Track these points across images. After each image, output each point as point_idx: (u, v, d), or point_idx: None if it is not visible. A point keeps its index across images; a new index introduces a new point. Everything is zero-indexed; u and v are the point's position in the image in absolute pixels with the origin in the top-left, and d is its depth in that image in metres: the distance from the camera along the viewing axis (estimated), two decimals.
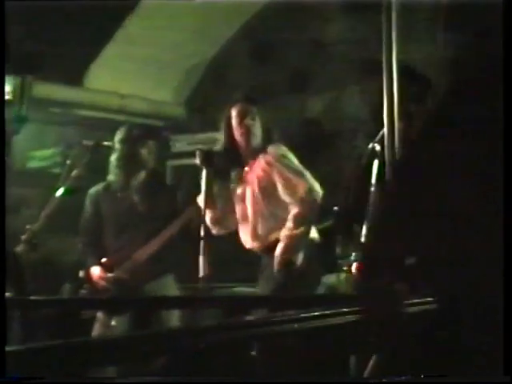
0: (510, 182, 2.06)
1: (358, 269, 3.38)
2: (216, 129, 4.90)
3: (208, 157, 3.78)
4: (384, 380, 1.90)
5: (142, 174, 4.28)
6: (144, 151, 4.26)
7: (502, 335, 1.90)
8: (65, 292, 4.55)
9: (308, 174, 3.81)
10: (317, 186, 3.79)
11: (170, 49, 5.85)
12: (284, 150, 3.85)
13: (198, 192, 3.89)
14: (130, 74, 5.84)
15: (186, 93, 6.37)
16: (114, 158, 4.26)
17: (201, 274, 3.50)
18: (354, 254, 3.51)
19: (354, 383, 1.95)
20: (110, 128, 4.50)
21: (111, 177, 4.30)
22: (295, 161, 3.85)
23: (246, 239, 3.88)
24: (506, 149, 2.17)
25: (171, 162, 5.56)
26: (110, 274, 4.14)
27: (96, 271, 4.14)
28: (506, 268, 2.11)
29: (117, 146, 4.24)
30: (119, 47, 5.60)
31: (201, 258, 3.46)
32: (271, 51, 6.12)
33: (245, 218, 3.87)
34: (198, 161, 3.78)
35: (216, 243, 3.77)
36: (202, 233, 3.60)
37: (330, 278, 5.11)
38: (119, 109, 5.79)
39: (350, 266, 3.42)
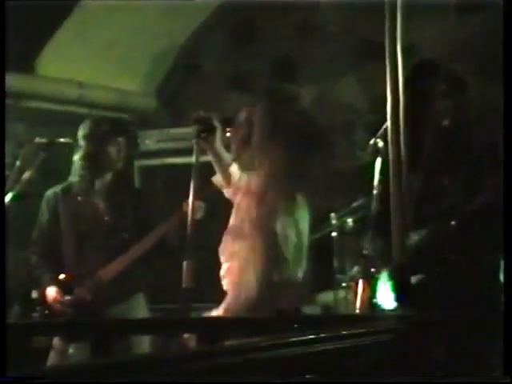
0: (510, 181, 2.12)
1: (364, 286, 3.38)
2: (189, 123, 4.85)
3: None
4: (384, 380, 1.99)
5: (108, 177, 4.27)
6: (112, 149, 4.25)
7: (502, 335, 2.09)
8: (13, 316, 4.51)
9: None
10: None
11: (135, 31, 5.86)
12: None
13: (177, 198, 3.88)
14: (90, 60, 5.83)
15: (155, 81, 6.37)
16: (77, 157, 4.25)
17: (183, 284, 3.46)
18: (356, 267, 3.51)
19: (354, 383, 2.03)
20: (68, 122, 4.48)
21: (73, 178, 4.29)
22: None
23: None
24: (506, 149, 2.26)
25: (139, 162, 5.54)
26: (67, 297, 4.10)
27: (51, 292, 4.11)
28: (506, 268, 2.37)
29: (81, 142, 4.23)
30: (77, 28, 5.59)
31: (184, 265, 3.41)
32: (253, 34, 6.13)
33: None
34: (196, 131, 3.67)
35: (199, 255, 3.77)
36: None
37: (325, 296, 5.11)
38: (77, 99, 5.78)
39: (356, 282, 3.41)
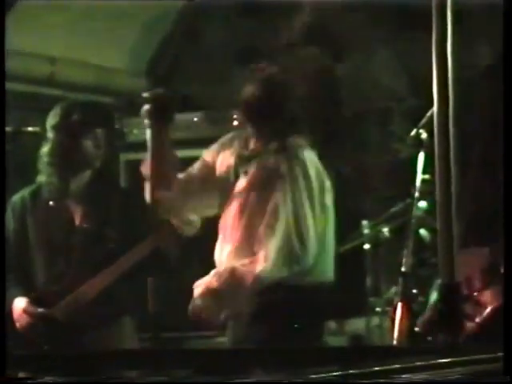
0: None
1: (403, 311, 3.38)
2: (191, 108, 4.86)
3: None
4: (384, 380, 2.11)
5: (86, 175, 4.28)
6: (88, 143, 4.26)
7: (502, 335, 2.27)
8: None
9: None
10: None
11: None
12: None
13: None
14: (63, 29, 5.82)
15: (145, 56, 6.39)
16: (45, 151, 4.26)
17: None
18: (394, 288, 3.51)
19: (354, 383, 2.14)
20: (37, 107, 4.49)
21: (42, 178, 4.30)
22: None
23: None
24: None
25: (125, 156, 5.55)
26: (40, 309, 4.11)
27: (20, 304, 4.13)
28: (506, 268, 2.54)
29: (49, 134, 4.24)
30: None
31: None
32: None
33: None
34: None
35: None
36: None
37: (355, 324, 5.11)
38: (49, 78, 5.80)
39: (394, 306, 3.42)
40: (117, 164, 5.47)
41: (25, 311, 4.10)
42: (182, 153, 4.99)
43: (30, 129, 4.25)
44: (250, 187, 3.86)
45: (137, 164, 5.43)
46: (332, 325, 5.33)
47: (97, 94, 5.94)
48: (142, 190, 4.23)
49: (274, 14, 6.12)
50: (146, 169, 4.06)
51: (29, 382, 1.64)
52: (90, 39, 6.00)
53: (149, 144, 4.01)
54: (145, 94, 4.03)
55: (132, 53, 6.31)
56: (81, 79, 5.97)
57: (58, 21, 5.76)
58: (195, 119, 5.44)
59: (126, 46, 6.27)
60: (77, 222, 4.24)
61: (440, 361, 2.32)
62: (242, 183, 3.90)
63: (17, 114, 4.94)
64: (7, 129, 4.15)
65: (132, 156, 5.53)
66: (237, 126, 4.89)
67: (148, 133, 4.02)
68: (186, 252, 4.09)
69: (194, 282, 3.82)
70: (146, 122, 4.00)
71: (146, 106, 3.98)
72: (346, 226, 4.01)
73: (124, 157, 5.57)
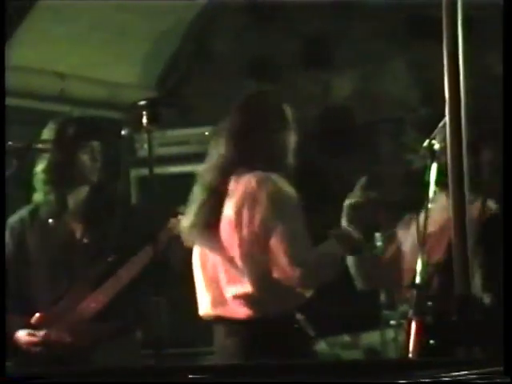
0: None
1: (418, 325, 3.34)
2: (201, 122, 4.85)
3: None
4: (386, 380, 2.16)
5: (84, 190, 4.27)
6: (85, 157, 4.25)
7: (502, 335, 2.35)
8: None
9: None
10: None
11: (128, 6, 5.88)
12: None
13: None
14: (73, 45, 5.85)
15: (155, 71, 6.40)
16: (40, 168, 4.25)
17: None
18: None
19: (354, 383, 2.18)
20: (47, 122, 4.50)
21: (38, 196, 4.28)
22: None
23: None
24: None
25: (137, 171, 5.55)
26: (41, 332, 4.10)
27: (23, 335, 4.11)
28: (506, 268, 2.54)
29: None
30: (55, 5, 5.61)
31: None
32: (278, 11, 6.13)
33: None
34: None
35: None
36: None
37: (369, 337, 5.09)
38: (59, 95, 5.81)
39: (409, 319, 3.38)
40: (127, 179, 5.47)
41: (31, 342, 4.11)
42: (191, 168, 4.99)
43: (40, 145, 4.25)
44: None
45: (147, 179, 5.42)
46: (346, 338, 5.34)
47: (107, 109, 5.97)
48: (149, 203, 4.25)
49: (281, 27, 6.14)
50: None
51: (29, 381, 1.55)
52: (99, 54, 6.03)
53: None
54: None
55: (142, 67, 6.33)
56: (91, 95, 5.99)
57: (67, 34, 5.77)
58: (206, 133, 5.43)
59: (135, 61, 6.29)
60: (76, 238, 4.23)
61: (454, 373, 2.30)
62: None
63: (27, 131, 4.96)
64: (18, 145, 4.17)
65: (142, 171, 5.54)
66: None
67: None
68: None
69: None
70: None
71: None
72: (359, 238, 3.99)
73: (136, 172, 5.57)
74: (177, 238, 3.95)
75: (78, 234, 4.23)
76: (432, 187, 3.39)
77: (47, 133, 4.27)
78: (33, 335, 4.14)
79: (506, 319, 2.49)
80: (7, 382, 1.64)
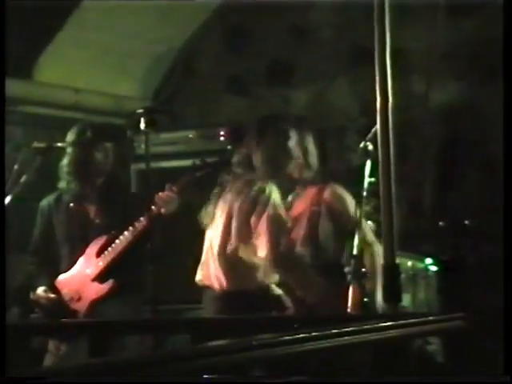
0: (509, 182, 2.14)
1: (355, 287, 3.39)
2: (187, 126, 4.87)
3: None
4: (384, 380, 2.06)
5: (99, 181, 4.29)
6: (99, 155, 4.27)
7: (502, 335, 2.15)
8: (12, 318, 4.53)
9: None
10: None
11: (132, 35, 5.84)
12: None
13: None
14: (86, 65, 5.81)
15: (152, 86, 6.36)
16: (64, 162, 4.27)
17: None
18: (346, 268, 3.50)
19: (354, 383, 2.09)
20: (64, 127, 4.49)
21: (62, 184, 4.30)
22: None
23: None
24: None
25: (136, 166, 5.52)
26: (51, 295, 4.14)
27: (39, 291, 4.17)
28: (506, 268, 2.41)
29: (68, 149, 4.25)
30: (73, 34, 5.57)
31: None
32: (247, 38, 6.12)
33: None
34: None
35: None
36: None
37: None
38: (74, 105, 5.76)
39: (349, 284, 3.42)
40: (128, 173, 5.45)
41: (41, 296, 4.16)
42: (179, 163, 5.02)
43: (59, 144, 4.27)
44: None
45: (144, 172, 5.45)
46: None
47: (112, 117, 5.91)
48: (145, 192, 4.27)
49: (251, 51, 6.12)
50: None
51: (29, 382, 1.41)
52: (106, 72, 5.98)
53: None
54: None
55: (140, 83, 6.29)
56: (99, 105, 5.94)
57: (81, 57, 5.73)
58: (190, 136, 5.44)
59: (135, 78, 6.24)
60: (91, 218, 4.26)
61: (383, 324, 2.33)
62: None
63: (48, 133, 4.94)
64: (41, 144, 4.18)
65: (140, 166, 5.52)
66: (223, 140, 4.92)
67: None
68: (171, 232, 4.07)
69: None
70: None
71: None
72: None
73: (135, 166, 5.55)
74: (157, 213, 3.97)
75: (92, 215, 4.27)
76: (367, 179, 3.45)
77: (71, 135, 4.29)
78: (43, 292, 4.17)
79: (506, 319, 2.27)
80: (7, 382, 1.44)
